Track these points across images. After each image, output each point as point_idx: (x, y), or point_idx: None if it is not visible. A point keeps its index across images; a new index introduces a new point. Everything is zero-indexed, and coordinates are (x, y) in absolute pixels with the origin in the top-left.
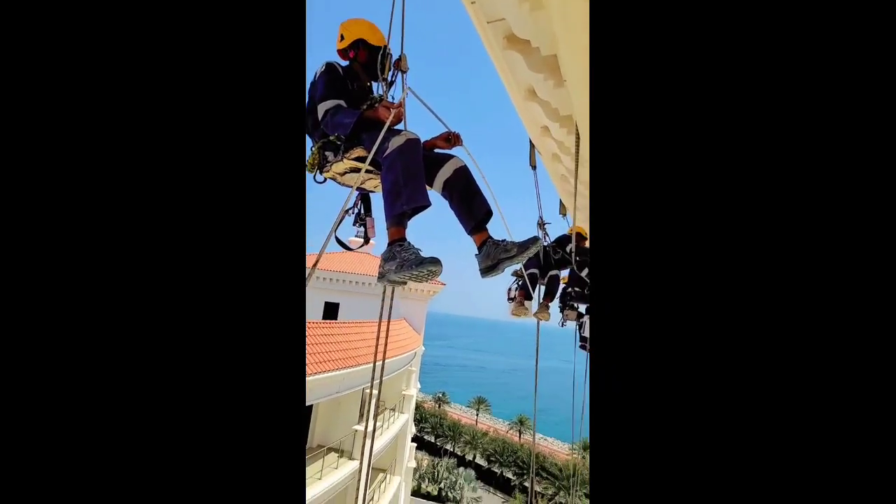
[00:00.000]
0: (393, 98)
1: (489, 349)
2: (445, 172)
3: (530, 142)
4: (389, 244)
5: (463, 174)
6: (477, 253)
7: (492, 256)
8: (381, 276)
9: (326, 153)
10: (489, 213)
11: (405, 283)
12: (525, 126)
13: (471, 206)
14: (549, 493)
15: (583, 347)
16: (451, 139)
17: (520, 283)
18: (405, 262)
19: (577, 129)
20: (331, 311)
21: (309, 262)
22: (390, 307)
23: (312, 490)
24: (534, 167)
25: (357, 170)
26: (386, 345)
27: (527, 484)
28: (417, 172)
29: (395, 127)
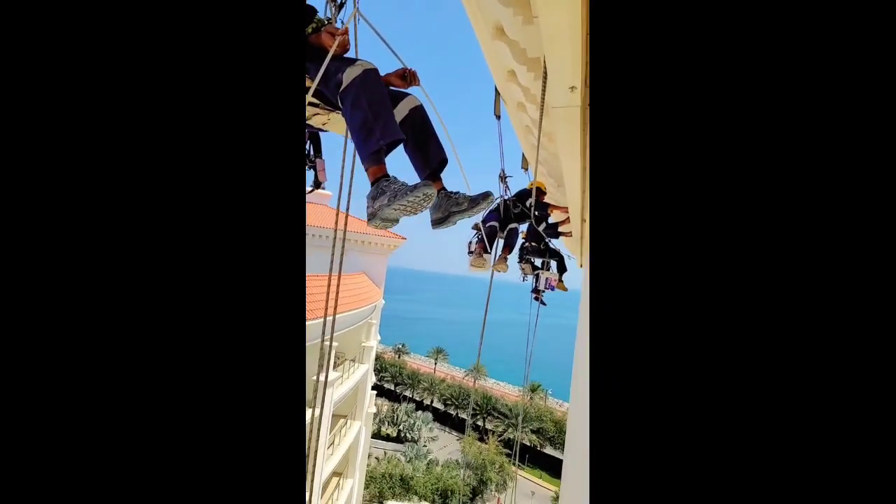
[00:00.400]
0: (342, 23)
1: (451, 303)
2: (400, 112)
3: (496, 89)
4: (374, 183)
5: (419, 115)
6: (430, 204)
7: (443, 208)
8: (373, 216)
9: None
10: (444, 161)
11: (398, 219)
12: (491, 70)
13: (426, 152)
14: (500, 430)
15: (536, 299)
16: (408, 77)
17: (479, 236)
18: (397, 192)
19: (544, 72)
20: None
21: None
22: (340, 261)
23: None
24: (498, 117)
25: None
26: (337, 298)
27: (479, 423)
28: (385, 104)
29: (345, 56)
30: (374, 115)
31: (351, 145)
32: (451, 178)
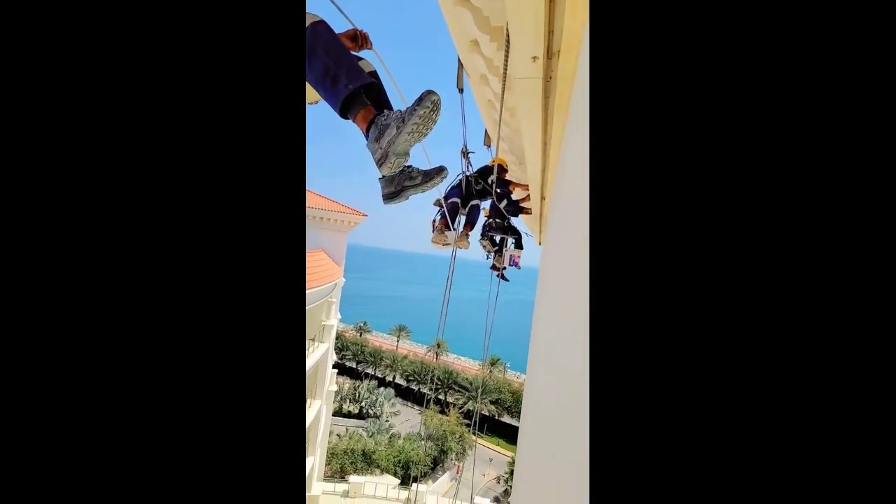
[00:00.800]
0: None
1: (413, 280)
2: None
3: (458, 61)
4: (368, 127)
5: (320, 28)
6: (381, 177)
7: (396, 182)
8: (385, 158)
9: None
10: (360, 87)
11: (409, 152)
12: (454, 40)
13: (335, 79)
14: (460, 402)
15: (499, 276)
16: (359, 39)
17: (442, 212)
18: (402, 116)
19: (507, 41)
20: None
21: None
22: None
23: None
24: (461, 90)
25: None
26: None
27: (441, 397)
28: (343, 50)
29: None
30: (334, 61)
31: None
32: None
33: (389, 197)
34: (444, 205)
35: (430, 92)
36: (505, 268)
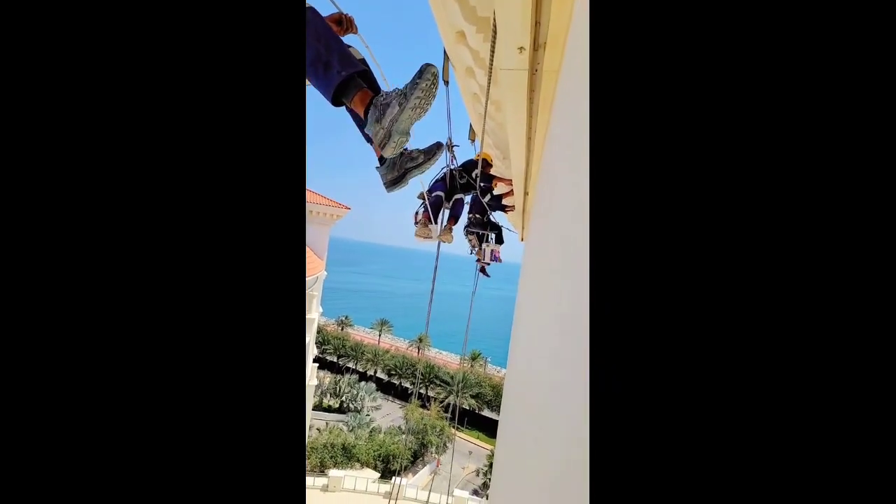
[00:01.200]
0: None
1: (396, 275)
2: None
3: (444, 53)
4: (367, 109)
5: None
6: (378, 165)
7: (398, 166)
8: (388, 138)
9: None
10: (353, 75)
11: (409, 131)
12: (440, 31)
13: (328, 63)
14: (441, 396)
15: (481, 271)
16: (344, 23)
17: (425, 205)
18: (403, 93)
19: (493, 31)
20: None
21: None
22: None
23: None
24: (446, 83)
25: None
26: None
27: (423, 391)
28: (333, 36)
29: None
30: (325, 47)
31: None
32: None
33: (392, 183)
34: (427, 198)
35: (428, 65)
36: (488, 263)
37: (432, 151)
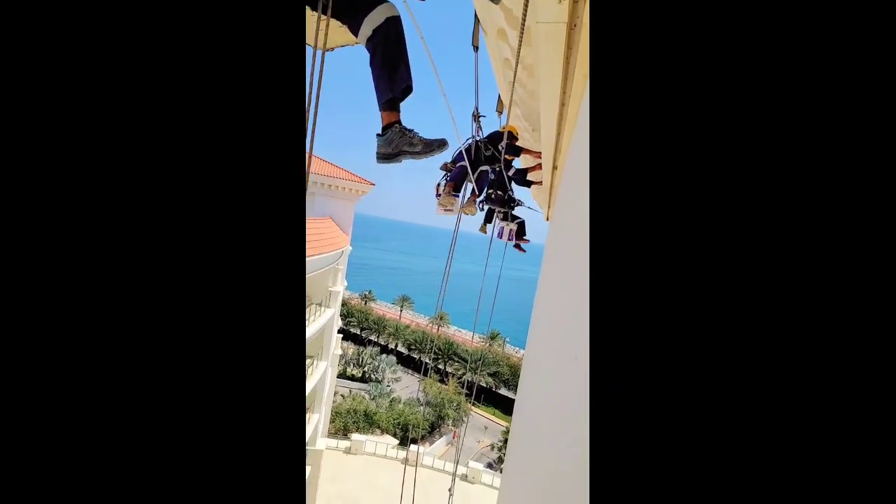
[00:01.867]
0: None
1: (417, 252)
2: (376, 18)
3: (475, 15)
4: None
5: (395, 28)
6: (379, 134)
7: (394, 144)
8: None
9: None
10: (409, 89)
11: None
12: None
13: (393, 74)
14: (460, 373)
15: (516, 247)
16: None
17: (448, 177)
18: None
19: None
20: None
21: None
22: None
23: None
24: (476, 48)
25: None
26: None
27: (441, 367)
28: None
29: None
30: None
31: (316, 81)
32: (424, 106)
33: (384, 157)
34: (451, 169)
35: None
36: (513, 242)
37: (431, 147)
